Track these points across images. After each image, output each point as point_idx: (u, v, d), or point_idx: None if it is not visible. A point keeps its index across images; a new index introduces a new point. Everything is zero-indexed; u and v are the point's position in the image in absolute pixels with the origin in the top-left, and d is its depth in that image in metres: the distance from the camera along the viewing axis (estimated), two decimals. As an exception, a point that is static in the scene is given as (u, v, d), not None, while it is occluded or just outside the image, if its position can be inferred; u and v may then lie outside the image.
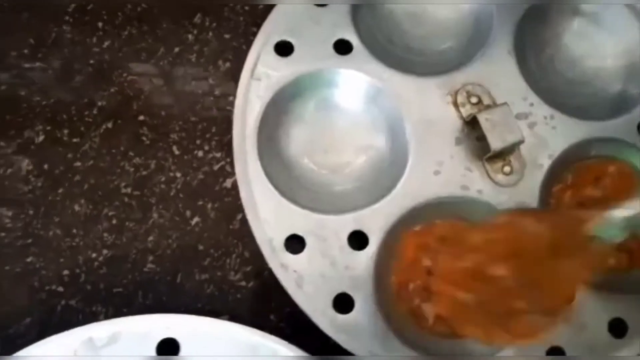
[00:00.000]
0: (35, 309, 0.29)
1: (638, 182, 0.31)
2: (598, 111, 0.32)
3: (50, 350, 0.26)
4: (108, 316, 0.29)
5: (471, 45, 0.32)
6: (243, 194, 0.29)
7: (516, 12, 0.32)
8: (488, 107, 0.30)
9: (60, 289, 0.29)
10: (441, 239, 0.29)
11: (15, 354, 0.26)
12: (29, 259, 0.30)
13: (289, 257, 0.28)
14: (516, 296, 0.24)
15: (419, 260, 0.29)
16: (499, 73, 0.31)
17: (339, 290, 0.28)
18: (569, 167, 0.31)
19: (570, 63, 0.33)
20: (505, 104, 0.30)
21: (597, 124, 0.31)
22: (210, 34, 0.33)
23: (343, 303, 0.28)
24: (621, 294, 0.29)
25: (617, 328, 0.29)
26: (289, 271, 0.28)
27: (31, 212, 0.30)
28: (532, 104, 0.31)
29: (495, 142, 0.29)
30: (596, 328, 0.29)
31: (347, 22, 0.31)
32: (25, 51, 0.32)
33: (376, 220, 0.29)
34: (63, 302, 0.29)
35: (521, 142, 0.29)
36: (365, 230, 0.29)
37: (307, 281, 0.28)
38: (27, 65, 0.32)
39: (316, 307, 0.28)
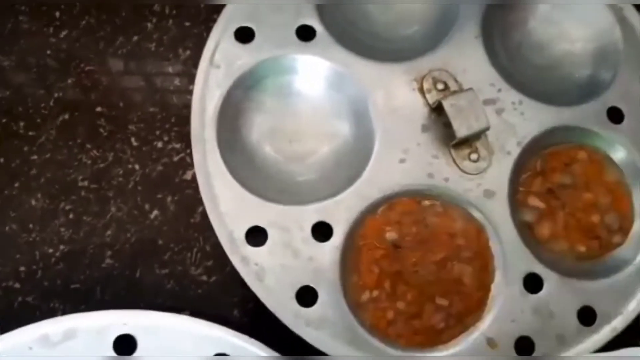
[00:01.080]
0: (-9, 305, 0.29)
1: (607, 168, 0.31)
2: (567, 96, 0.31)
3: (5, 347, 0.25)
4: (66, 312, 0.28)
5: (437, 30, 0.32)
6: (202, 185, 0.28)
7: (485, -6, 0.32)
8: (454, 92, 0.30)
9: (17, 285, 0.29)
10: (404, 214, 0.29)
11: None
12: (-16, 256, 0.29)
13: (250, 250, 0.27)
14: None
15: (383, 234, 0.28)
16: (465, 58, 0.31)
17: (302, 283, 0.27)
18: (538, 153, 0.30)
19: (537, 48, 0.33)
20: (471, 89, 0.29)
21: (566, 110, 0.31)
22: (170, 21, 0.32)
23: (307, 296, 0.27)
24: (589, 280, 0.29)
25: (586, 316, 0.28)
26: (250, 264, 0.27)
27: (-14, 207, 0.30)
28: (499, 90, 0.30)
29: (461, 129, 0.28)
30: (565, 316, 0.28)
31: (310, 8, 0.30)
32: (-20, 43, 0.32)
33: (341, 211, 0.28)
34: (20, 298, 0.28)
35: (487, 128, 0.28)
36: (330, 221, 0.28)
37: (268, 274, 0.27)
38: (-19, 57, 0.32)
39: (279, 301, 0.27)
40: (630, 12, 0.33)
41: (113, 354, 0.26)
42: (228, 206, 0.28)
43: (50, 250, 0.29)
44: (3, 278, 0.29)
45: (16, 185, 0.30)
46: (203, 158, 0.29)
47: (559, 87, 0.32)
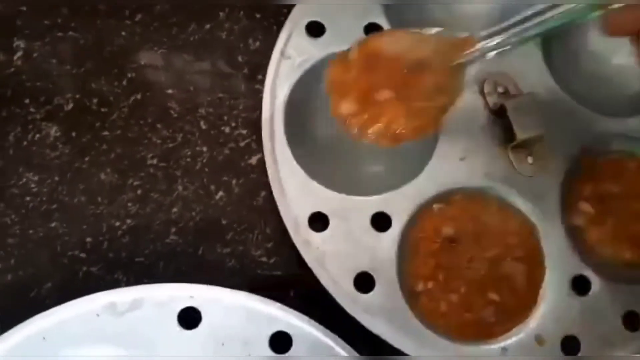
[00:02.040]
0: (57, 273, 0.29)
1: (657, 179, 0.32)
2: (619, 108, 0.32)
3: (73, 312, 0.26)
4: (129, 284, 0.29)
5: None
6: (270, 171, 0.29)
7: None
8: (514, 96, 0.31)
9: (83, 255, 0.30)
10: (461, 210, 0.29)
11: (37, 315, 0.26)
12: (52, 224, 0.30)
13: (313, 235, 0.29)
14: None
15: (439, 229, 0.29)
16: (525, 64, 0.32)
17: (361, 269, 0.28)
18: (590, 161, 0.31)
19: (594, 58, 0.34)
20: (530, 93, 0.30)
21: (618, 121, 0.32)
22: (242, 12, 0.33)
23: (364, 282, 0.28)
24: (635, 286, 0.30)
25: (631, 321, 0.29)
26: (311, 248, 0.28)
27: (57, 178, 0.30)
28: (556, 97, 0.32)
29: (521, 132, 0.29)
30: (610, 319, 0.29)
31: (377, 6, 0.32)
32: (59, 20, 0.33)
33: (400, 203, 0.29)
34: (85, 268, 0.30)
35: (544, 133, 0.30)
36: (389, 213, 0.29)
37: (329, 259, 0.28)
38: (60, 34, 0.32)
39: (338, 285, 0.28)
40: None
41: (177, 325, 0.27)
42: (293, 191, 0.29)
43: (117, 224, 0.30)
44: (69, 247, 0.30)
45: (86, 159, 0.31)
46: (272, 145, 0.30)
47: (612, 98, 0.33)
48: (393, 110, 0.25)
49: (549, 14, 0.22)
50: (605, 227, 0.31)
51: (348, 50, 0.26)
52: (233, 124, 0.32)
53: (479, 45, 0.24)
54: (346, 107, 0.25)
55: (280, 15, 0.33)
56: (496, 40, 0.23)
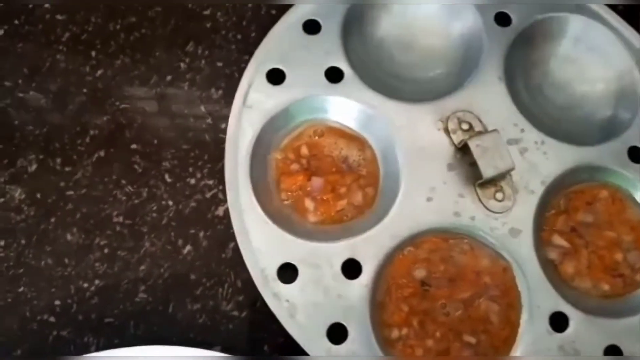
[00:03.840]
0: (27, 339, 0.29)
1: (629, 207, 0.32)
2: (588, 136, 0.32)
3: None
4: (99, 347, 0.29)
5: (461, 71, 0.33)
6: (235, 222, 0.29)
7: (506, 37, 0.33)
8: (479, 133, 0.30)
9: (52, 319, 0.29)
10: (431, 252, 0.29)
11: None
12: (20, 289, 0.30)
13: (282, 287, 0.28)
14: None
15: (411, 272, 0.29)
16: (489, 99, 0.32)
17: (333, 320, 0.28)
18: (561, 192, 0.31)
19: (559, 87, 0.34)
20: (495, 130, 0.30)
21: (588, 149, 0.32)
22: (203, 61, 0.33)
23: (337, 333, 0.28)
24: (615, 319, 0.29)
25: (613, 355, 0.29)
26: (281, 301, 0.28)
27: (23, 241, 0.30)
28: (522, 130, 0.31)
29: (487, 169, 0.29)
30: (592, 355, 0.29)
31: (338, 50, 0.32)
32: (20, 80, 0.33)
33: (369, 248, 0.29)
34: (55, 332, 0.29)
35: (512, 168, 0.29)
36: (359, 259, 0.29)
37: (300, 311, 0.28)
38: (20, 95, 0.33)
39: (310, 338, 0.27)
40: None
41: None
42: (260, 242, 0.29)
43: (85, 285, 0.30)
44: (38, 312, 0.29)
45: (52, 220, 0.31)
46: (236, 195, 0.29)
47: (580, 126, 0.33)
48: None
49: None
50: (581, 260, 0.30)
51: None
52: (199, 175, 0.32)
53: None
54: None
55: (241, 62, 0.34)
56: None
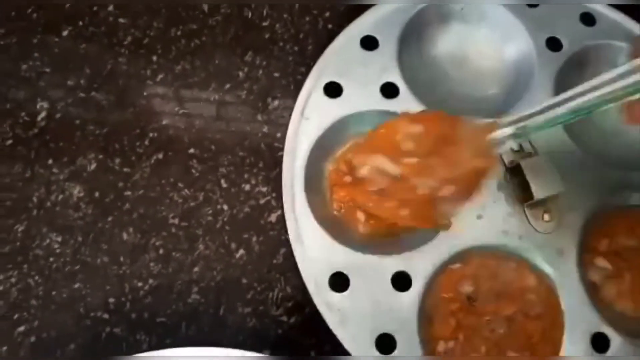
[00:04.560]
0: (80, 335, 0.29)
1: (672, 233, 0.33)
2: (632, 160, 0.33)
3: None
4: (151, 345, 0.30)
5: (513, 92, 0.34)
6: (290, 229, 0.30)
7: (557, 60, 0.34)
8: (529, 154, 0.31)
9: (106, 316, 0.30)
10: (479, 268, 0.30)
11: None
12: (76, 285, 0.30)
13: (333, 295, 0.29)
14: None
15: (459, 287, 0.29)
16: (539, 121, 0.33)
17: (382, 331, 0.28)
18: (605, 215, 0.32)
19: (605, 114, 0.33)
20: (546, 153, 0.31)
21: (633, 174, 0.32)
22: (260, 71, 0.34)
23: (385, 343, 0.28)
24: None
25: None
26: (332, 309, 0.29)
27: (80, 238, 0.31)
28: (571, 152, 0.32)
29: (538, 191, 0.30)
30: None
31: (394, 66, 0.33)
32: (82, 81, 0.34)
33: (420, 262, 0.30)
34: (108, 329, 0.30)
35: (562, 191, 0.30)
36: (409, 272, 0.29)
37: (350, 319, 0.29)
38: (82, 95, 0.33)
39: (359, 347, 0.28)
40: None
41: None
42: (313, 250, 0.30)
43: (140, 284, 0.30)
44: (92, 308, 0.30)
45: (109, 219, 0.31)
46: (292, 203, 0.30)
47: (626, 151, 0.34)
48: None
49: (562, 108, 0.23)
50: (623, 282, 0.31)
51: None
52: (253, 182, 0.32)
53: (499, 132, 0.25)
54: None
55: (297, 74, 0.34)
56: (514, 127, 0.25)
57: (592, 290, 0.31)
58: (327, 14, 0.36)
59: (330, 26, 0.35)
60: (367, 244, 0.30)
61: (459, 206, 0.27)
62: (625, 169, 0.32)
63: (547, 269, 0.30)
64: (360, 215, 0.31)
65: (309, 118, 0.32)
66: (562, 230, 0.31)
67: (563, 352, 0.29)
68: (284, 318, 0.31)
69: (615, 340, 0.30)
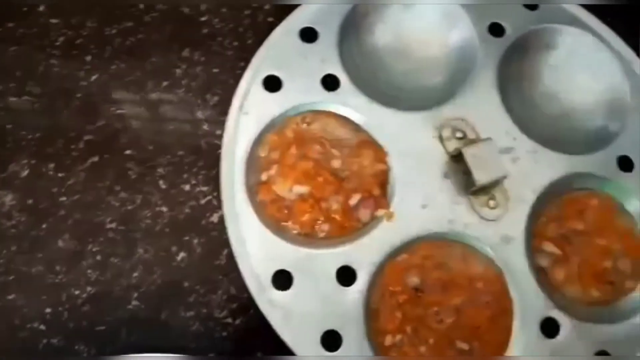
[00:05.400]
0: (16, 347, 0.28)
1: (619, 215, 0.32)
2: (579, 145, 0.33)
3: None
4: (90, 355, 0.29)
5: (455, 80, 0.33)
6: (230, 228, 0.29)
7: (499, 47, 0.33)
8: (473, 141, 0.31)
9: (42, 327, 0.29)
10: (425, 258, 0.29)
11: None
12: (10, 296, 0.29)
13: (276, 294, 0.28)
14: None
15: (405, 278, 0.29)
16: (482, 108, 0.32)
17: (327, 327, 0.28)
18: (552, 200, 0.31)
19: (549, 98, 0.34)
20: (489, 139, 0.30)
21: (578, 158, 0.32)
22: (199, 68, 0.33)
23: (331, 340, 0.28)
24: (604, 325, 0.30)
25: (603, 361, 0.29)
26: (276, 307, 0.28)
27: (14, 247, 0.30)
28: (515, 139, 0.32)
29: (480, 177, 0.29)
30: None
31: (334, 58, 0.32)
32: (12, 84, 0.32)
33: (364, 255, 0.29)
34: (45, 340, 0.29)
35: (505, 176, 0.30)
36: (354, 266, 0.29)
37: (294, 318, 0.28)
38: (13, 99, 0.32)
39: (304, 345, 0.27)
40: (638, 65, 0.35)
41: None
42: (255, 249, 0.29)
43: (77, 292, 0.29)
44: (29, 319, 0.29)
45: (44, 226, 0.30)
46: (232, 202, 0.29)
47: (571, 136, 0.33)
48: None
49: None
50: (571, 266, 0.31)
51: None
52: (193, 182, 0.32)
53: None
54: None
55: (237, 69, 0.33)
56: None
57: (541, 276, 0.30)
58: (267, 7, 0.35)
59: (270, 19, 0.35)
60: (311, 238, 0.30)
61: (374, 209, 0.28)
62: (570, 152, 0.32)
63: (495, 256, 0.30)
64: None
65: (248, 113, 0.31)
66: (508, 217, 0.31)
67: (513, 339, 0.29)
68: (229, 320, 0.30)
69: (565, 324, 0.29)
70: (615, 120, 0.34)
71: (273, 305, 0.28)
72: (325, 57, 0.32)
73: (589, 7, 0.35)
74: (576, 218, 0.32)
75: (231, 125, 0.31)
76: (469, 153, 0.30)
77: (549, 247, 0.31)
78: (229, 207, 0.29)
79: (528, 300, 0.29)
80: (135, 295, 0.29)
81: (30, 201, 0.30)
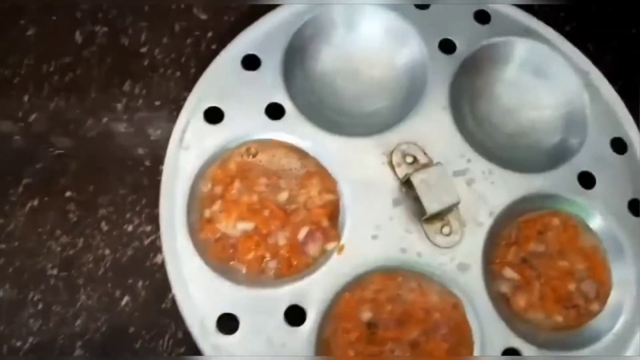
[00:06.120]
0: (-44, 405, 0.28)
1: (582, 234, 0.31)
2: (537, 163, 0.31)
3: None
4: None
5: (406, 102, 0.32)
6: (171, 270, 0.28)
7: (451, 64, 0.32)
8: (424, 166, 0.30)
9: (-17, 382, 0.28)
10: (378, 292, 0.28)
11: None
12: (-51, 352, 0.29)
13: (221, 338, 0.27)
14: None
15: (357, 314, 0.28)
16: (434, 130, 0.31)
17: (276, 372, 0.27)
18: (510, 222, 0.30)
19: (505, 115, 0.33)
20: (439, 163, 0.29)
21: (537, 176, 0.31)
22: (141, 101, 0.32)
23: (281, 383, 0.27)
24: (568, 352, 0.28)
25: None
26: (221, 352, 0.27)
27: (-48, 300, 0.29)
28: (469, 160, 0.30)
29: (431, 205, 0.28)
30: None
31: (279, 86, 0.31)
32: (-53, 129, 0.32)
33: (314, 292, 0.28)
34: (-14, 396, 0.28)
35: (457, 203, 0.28)
36: (303, 304, 0.27)
37: (241, 363, 0.27)
38: (-53, 144, 0.32)
39: (252, 391, 0.27)
40: (596, 76, 0.33)
41: None
42: (198, 291, 0.27)
43: (18, 343, 0.28)
44: (-31, 374, 0.28)
45: (-17, 276, 0.30)
46: (173, 242, 0.28)
47: (529, 154, 0.32)
48: None
49: None
50: (533, 292, 0.29)
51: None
52: (136, 221, 0.30)
53: None
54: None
55: (180, 100, 0.32)
56: None
57: (502, 303, 0.29)
58: (210, 34, 0.34)
59: (214, 46, 0.33)
60: (258, 277, 0.29)
61: (323, 242, 0.26)
62: (529, 171, 0.31)
63: (451, 285, 0.29)
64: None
65: (188, 147, 0.30)
66: (464, 243, 0.29)
67: (473, 373, 0.28)
68: (177, 365, 0.29)
69: (527, 352, 0.28)
70: (575, 134, 0.32)
71: (218, 351, 0.27)
72: (268, 85, 0.31)
73: (523, 7, 0.33)
74: (536, 240, 0.30)
75: (170, 161, 0.29)
76: (418, 179, 0.28)
77: (509, 272, 0.30)
78: (170, 247, 0.28)
79: (488, 330, 0.28)
80: (79, 343, 0.28)
81: (-32, 250, 0.30)
